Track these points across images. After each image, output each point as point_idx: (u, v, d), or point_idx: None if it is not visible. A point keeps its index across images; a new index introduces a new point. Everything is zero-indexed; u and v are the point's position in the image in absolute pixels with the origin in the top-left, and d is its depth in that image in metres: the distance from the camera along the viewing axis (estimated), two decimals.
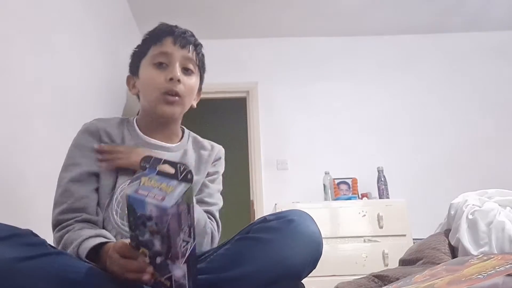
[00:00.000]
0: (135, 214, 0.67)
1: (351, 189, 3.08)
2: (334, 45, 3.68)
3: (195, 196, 1.07)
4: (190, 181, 0.67)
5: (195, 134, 1.19)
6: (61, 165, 1.03)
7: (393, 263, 2.04)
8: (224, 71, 3.55)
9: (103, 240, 0.85)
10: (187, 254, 0.68)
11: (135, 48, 1.12)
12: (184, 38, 1.07)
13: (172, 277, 0.69)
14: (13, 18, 1.50)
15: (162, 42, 1.05)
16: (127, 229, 0.94)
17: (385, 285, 1.20)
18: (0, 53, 1.41)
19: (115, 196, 0.98)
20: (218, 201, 1.11)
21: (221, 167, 1.16)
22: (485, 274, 0.62)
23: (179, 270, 0.68)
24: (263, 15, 3.40)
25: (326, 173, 3.04)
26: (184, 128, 1.19)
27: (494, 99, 3.55)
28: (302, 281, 0.86)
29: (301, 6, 3.30)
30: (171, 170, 0.68)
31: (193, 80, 1.09)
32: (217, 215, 1.08)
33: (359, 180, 3.11)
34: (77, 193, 0.96)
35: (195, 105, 1.15)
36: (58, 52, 1.87)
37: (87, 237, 0.85)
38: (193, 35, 1.11)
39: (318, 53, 3.66)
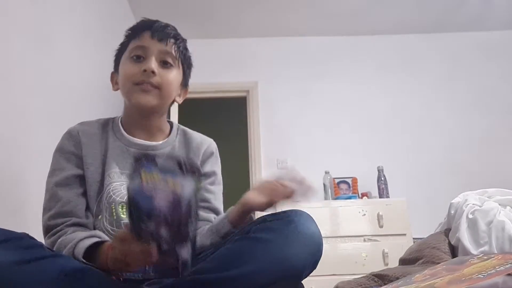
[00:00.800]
0: (140, 208, 0.64)
1: (351, 189, 3.08)
2: (334, 44, 3.68)
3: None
4: (198, 177, 0.66)
5: (185, 128, 1.16)
6: None
7: (393, 263, 2.04)
8: (224, 70, 3.55)
9: (98, 239, 0.85)
10: (191, 234, 0.68)
11: (118, 45, 1.10)
12: (162, 32, 1.04)
13: (179, 257, 0.68)
14: (12, 17, 1.49)
15: (140, 37, 1.04)
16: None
17: (385, 284, 1.20)
18: None
19: (102, 202, 0.98)
20: (221, 203, 1.10)
21: (217, 166, 1.13)
22: (485, 274, 0.62)
23: (185, 250, 0.67)
24: (263, 14, 3.40)
25: (326, 172, 3.04)
26: (173, 122, 1.15)
27: (495, 98, 3.55)
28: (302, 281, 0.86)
29: (301, 5, 3.30)
30: (172, 165, 0.66)
31: (172, 73, 1.05)
32: None
33: (359, 179, 3.11)
34: (64, 197, 0.96)
35: (180, 101, 1.12)
36: (57, 52, 1.87)
37: (81, 238, 0.85)
38: (174, 29, 1.08)
39: (318, 53, 3.66)
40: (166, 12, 3.26)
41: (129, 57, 1.04)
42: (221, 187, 1.13)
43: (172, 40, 1.05)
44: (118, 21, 2.88)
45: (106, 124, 1.08)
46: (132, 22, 3.46)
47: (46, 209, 0.97)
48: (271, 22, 3.51)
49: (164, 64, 1.04)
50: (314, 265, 0.82)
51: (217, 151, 1.15)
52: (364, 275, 1.37)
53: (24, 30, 1.58)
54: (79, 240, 0.85)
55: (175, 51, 1.05)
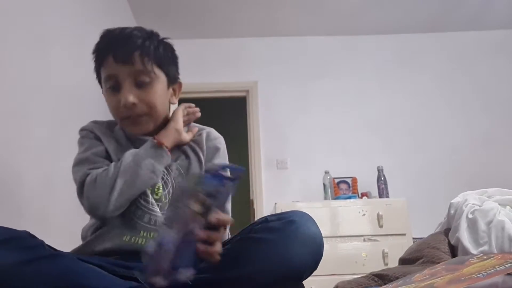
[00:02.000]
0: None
1: (351, 188, 3.08)
2: (334, 44, 3.68)
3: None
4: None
5: (194, 123, 1.14)
6: (59, 167, 1.03)
7: (393, 262, 2.04)
8: (223, 70, 3.55)
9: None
10: None
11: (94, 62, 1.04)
12: (124, 52, 0.95)
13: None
14: (12, 18, 1.49)
15: (104, 64, 0.98)
16: (149, 206, 0.95)
17: (385, 284, 1.20)
18: None
19: None
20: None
21: (224, 161, 1.10)
22: (485, 273, 0.63)
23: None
24: (263, 14, 3.40)
25: (326, 172, 3.04)
26: None
27: (495, 98, 3.55)
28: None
29: (301, 5, 3.30)
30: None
31: (154, 89, 0.98)
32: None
33: (359, 179, 3.11)
34: (99, 162, 0.96)
35: (175, 101, 1.09)
36: (57, 53, 1.87)
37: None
38: (137, 37, 0.97)
39: (318, 52, 3.66)
40: (166, 11, 3.26)
41: (105, 88, 1.00)
42: None
43: (138, 53, 0.95)
44: (117, 21, 2.87)
45: (114, 124, 1.09)
46: (131, 22, 3.45)
47: (80, 172, 0.94)
48: (271, 22, 3.51)
49: (141, 82, 0.97)
50: (314, 266, 0.82)
51: (225, 146, 1.12)
52: (364, 275, 1.37)
53: (24, 32, 1.58)
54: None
55: (146, 65, 0.96)
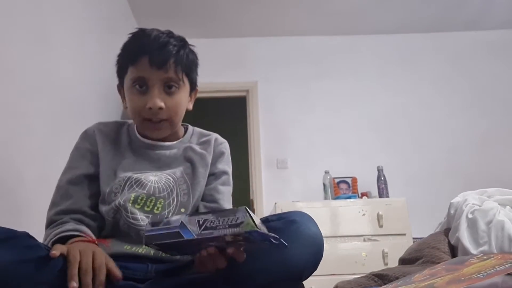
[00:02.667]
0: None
1: (351, 188, 3.08)
2: (334, 44, 3.68)
3: (205, 201, 1.07)
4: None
5: (200, 130, 1.16)
6: (59, 166, 1.04)
7: (393, 262, 2.04)
8: (224, 70, 3.55)
9: (75, 233, 0.87)
10: None
11: (117, 57, 1.05)
12: (161, 55, 0.97)
13: None
14: (12, 18, 1.50)
15: (137, 64, 0.98)
16: (139, 222, 0.95)
17: (384, 284, 1.20)
18: None
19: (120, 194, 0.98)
20: (231, 205, 1.11)
21: (228, 166, 1.13)
22: (485, 273, 0.63)
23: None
24: (263, 14, 3.40)
25: (326, 172, 3.04)
26: (188, 125, 1.16)
27: (495, 98, 3.55)
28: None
29: (301, 5, 3.30)
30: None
31: (179, 96, 1.02)
32: None
33: (359, 179, 3.11)
34: (75, 196, 0.97)
35: (191, 107, 1.11)
36: (57, 53, 1.87)
37: (69, 229, 0.88)
38: (174, 45, 1.00)
39: (318, 52, 3.66)
40: (165, 12, 3.26)
41: (131, 86, 1.00)
42: (231, 188, 1.13)
43: (173, 61, 0.98)
44: (117, 21, 2.88)
45: (122, 125, 1.10)
46: (132, 22, 3.45)
47: (55, 204, 0.97)
48: (271, 21, 3.51)
49: (169, 88, 1.00)
50: (315, 266, 0.83)
51: (229, 152, 1.15)
52: (364, 275, 1.38)
53: (24, 31, 1.58)
54: (65, 230, 0.87)
55: (177, 73, 1.00)
